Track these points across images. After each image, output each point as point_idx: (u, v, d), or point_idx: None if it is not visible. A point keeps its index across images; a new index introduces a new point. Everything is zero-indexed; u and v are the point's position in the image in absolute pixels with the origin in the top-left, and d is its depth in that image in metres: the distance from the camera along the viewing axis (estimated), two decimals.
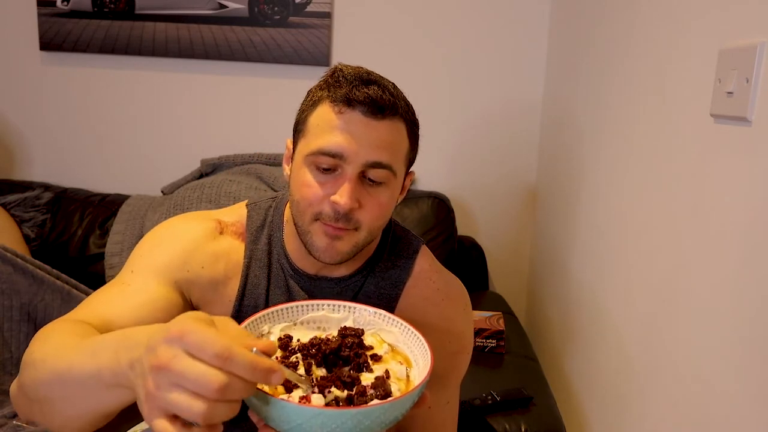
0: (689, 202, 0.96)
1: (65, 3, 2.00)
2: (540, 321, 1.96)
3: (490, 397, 1.26)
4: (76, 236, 1.84)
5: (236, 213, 0.93)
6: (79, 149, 2.12)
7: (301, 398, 0.57)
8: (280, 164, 1.88)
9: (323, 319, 0.72)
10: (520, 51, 2.00)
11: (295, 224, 0.83)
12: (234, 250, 0.89)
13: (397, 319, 0.72)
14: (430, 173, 2.02)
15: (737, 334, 0.82)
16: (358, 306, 0.73)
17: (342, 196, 0.76)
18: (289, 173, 0.86)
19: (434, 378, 0.86)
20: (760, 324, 0.76)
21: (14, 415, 1.37)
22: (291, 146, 0.86)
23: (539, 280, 2.01)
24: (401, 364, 0.67)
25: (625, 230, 1.25)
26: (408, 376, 0.66)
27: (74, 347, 0.62)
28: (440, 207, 1.85)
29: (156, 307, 0.78)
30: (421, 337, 0.68)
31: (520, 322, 1.79)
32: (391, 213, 0.84)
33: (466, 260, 1.91)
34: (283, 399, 0.54)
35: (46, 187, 1.96)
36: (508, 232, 2.12)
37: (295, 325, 0.71)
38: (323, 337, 0.68)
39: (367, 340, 0.69)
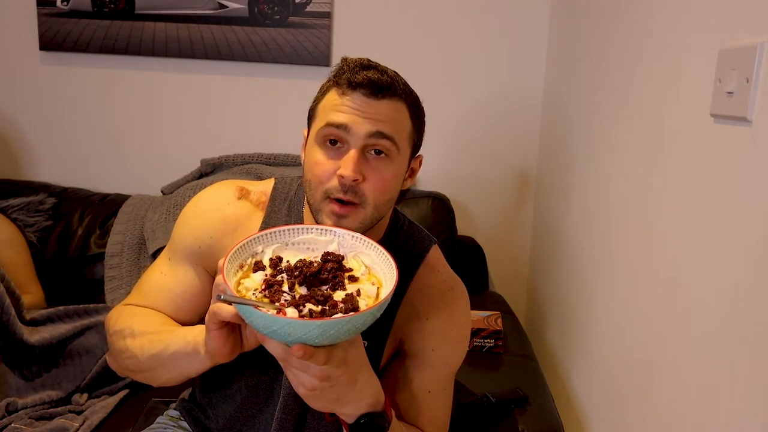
0: (689, 203, 0.96)
1: (65, 3, 2.00)
2: (540, 320, 1.96)
3: (484, 399, 1.25)
4: (77, 236, 1.84)
5: (264, 184, 1.02)
6: (80, 149, 2.12)
7: (279, 311, 0.70)
8: (279, 164, 1.89)
9: (312, 241, 0.82)
10: (520, 49, 2.00)
11: (308, 203, 0.90)
12: (249, 216, 0.97)
13: (373, 243, 0.81)
14: (430, 173, 2.02)
15: (737, 334, 0.82)
16: (342, 231, 0.83)
17: (346, 168, 0.82)
18: (303, 159, 0.93)
19: (435, 364, 0.97)
20: (760, 324, 0.76)
21: (17, 409, 1.38)
22: (305, 134, 0.92)
23: (539, 279, 2.01)
24: (373, 284, 0.78)
25: (625, 230, 1.25)
26: (378, 295, 0.76)
27: (165, 333, 0.90)
28: (440, 207, 1.85)
29: (192, 293, 0.97)
30: (390, 260, 0.78)
31: (520, 322, 1.79)
32: (396, 190, 0.90)
33: (466, 260, 1.91)
34: (262, 310, 0.68)
35: (47, 187, 1.96)
36: (509, 232, 2.12)
37: (286, 246, 0.81)
38: (309, 260, 0.78)
39: (350, 262, 0.80)
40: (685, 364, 0.96)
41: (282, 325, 0.67)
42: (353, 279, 0.78)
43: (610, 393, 1.30)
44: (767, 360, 0.75)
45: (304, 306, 0.71)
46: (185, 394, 1.14)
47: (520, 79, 2.02)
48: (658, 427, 1.05)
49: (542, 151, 2.02)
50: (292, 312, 0.70)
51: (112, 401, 1.43)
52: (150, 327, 0.93)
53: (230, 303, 0.70)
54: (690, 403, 0.94)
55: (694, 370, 0.93)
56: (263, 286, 0.74)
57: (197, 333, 0.85)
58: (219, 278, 0.76)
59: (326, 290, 0.75)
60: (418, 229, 1.03)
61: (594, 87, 1.51)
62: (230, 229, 0.96)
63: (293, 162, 1.88)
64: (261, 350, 0.90)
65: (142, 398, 1.39)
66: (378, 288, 0.77)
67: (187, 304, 0.97)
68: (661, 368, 1.04)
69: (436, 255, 1.01)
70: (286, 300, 0.72)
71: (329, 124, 0.84)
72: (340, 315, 0.70)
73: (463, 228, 2.00)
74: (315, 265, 0.76)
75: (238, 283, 0.75)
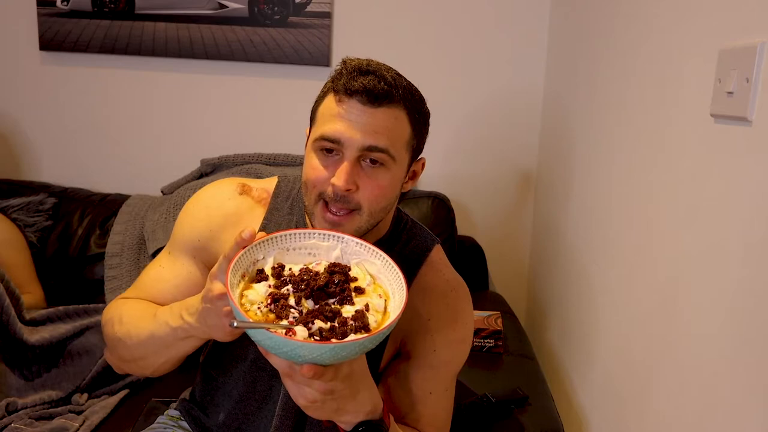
0: (689, 202, 0.96)
1: (65, 3, 2.00)
2: (540, 320, 1.96)
3: (485, 399, 1.25)
4: (77, 236, 1.84)
5: (267, 182, 1.02)
6: (80, 149, 2.12)
7: (288, 330, 0.68)
8: (279, 164, 1.88)
9: (314, 246, 0.80)
10: (520, 49, 2.00)
11: (304, 204, 0.90)
12: (250, 212, 0.98)
13: (379, 251, 0.79)
14: (430, 173, 2.02)
15: (737, 334, 0.82)
16: (345, 236, 0.81)
17: (339, 179, 0.82)
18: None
19: (437, 364, 0.96)
20: (760, 324, 0.76)
21: (17, 409, 1.38)
22: (307, 133, 0.92)
23: (539, 279, 2.01)
24: (380, 297, 0.76)
25: (625, 230, 1.25)
26: (386, 309, 0.74)
27: (149, 319, 0.91)
28: (440, 207, 1.85)
29: (187, 285, 0.97)
30: (399, 272, 0.76)
31: (520, 322, 1.79)
32: (393, 196, 0.89)
33: (466, 260, 1.91)
34: (272, 332, 0.66)
35: (47, 187, 1.96)
36: (509, 232, 2.12)
37: (287, 251, 0.79)
38: (313, 269, 0.76)
39: (353, 270, 0.78)
40: (685, 364, 0.96)
41: (294, 348, 0.66)
42: (359, 290, 0.76)
43: (610, 393, 1.30)
44: (767, 360, 0.75)
45: (313, 323, 0.69)
46: (185, 393, 1.14)
47: (520, 80, 2.02)
48: (658, 427, 1.05)
49: (542, 152, 2.02)
50: (301, 330, 0.68)
51: (112, 401, 1.43)
52: (135, 312, 0.94)
53: (243, 329, 0.69)
54: (690, 404, 0.94)
55: (694, 370, 0.93)
56: (269, 301, 0.72)
57: (177, 316, 0.85)
58: (214, 268, 0.77)
59: (334, 304, 0.73)
60: (420, 229, 1.02)
61: (594, 87, 1.51)
62: (230, 224, 0.96)
63: (293, 162, 1.88)
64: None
65: (142, 398, 1.39)
66: (385, 300, 0.76)
67: (182, 297, 0.95)
68: (661, 368, 1.04)
69: (438, 255, 1.01)
70: (294, 317, 0.70)
71: (323, 137, 0.84)
72: (352, 337, 0.69)
73: (463, 228, 2.00)
74: (322, 278, 0.74)
75: (241, 296, 0.73)
